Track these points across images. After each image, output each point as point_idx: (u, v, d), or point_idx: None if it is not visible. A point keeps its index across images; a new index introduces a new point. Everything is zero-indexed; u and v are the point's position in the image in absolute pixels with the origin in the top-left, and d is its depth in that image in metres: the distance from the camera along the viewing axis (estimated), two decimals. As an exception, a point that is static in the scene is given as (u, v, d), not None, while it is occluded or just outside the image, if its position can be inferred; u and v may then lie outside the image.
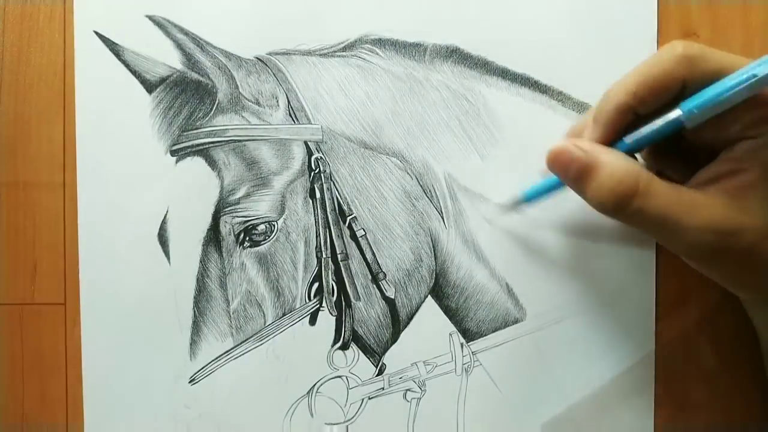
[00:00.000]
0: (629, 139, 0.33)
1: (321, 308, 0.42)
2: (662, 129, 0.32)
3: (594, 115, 0.34)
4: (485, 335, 0.42)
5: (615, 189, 0.31)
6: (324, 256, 0.42)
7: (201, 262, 0.42)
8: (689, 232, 0.31)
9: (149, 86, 0.42)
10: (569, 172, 0.33)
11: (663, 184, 0.31)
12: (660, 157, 0.37)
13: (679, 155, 0.36)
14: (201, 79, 0.42)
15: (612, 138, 0.34)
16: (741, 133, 0.31)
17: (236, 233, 0.42)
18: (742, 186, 0.31)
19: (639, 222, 0.32)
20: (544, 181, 0.38)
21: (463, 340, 0.42)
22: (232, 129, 0.42)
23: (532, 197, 0.39)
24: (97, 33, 0.42)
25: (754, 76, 0.29)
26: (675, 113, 0.32)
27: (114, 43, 0.42)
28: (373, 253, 0.42)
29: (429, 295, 0.42)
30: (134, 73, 0.42)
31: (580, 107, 0.42)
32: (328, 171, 0.42)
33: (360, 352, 0.42)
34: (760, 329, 0.38)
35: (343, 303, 0.42)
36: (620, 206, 0.31)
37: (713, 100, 0.30)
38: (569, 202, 0.42)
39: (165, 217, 0.42)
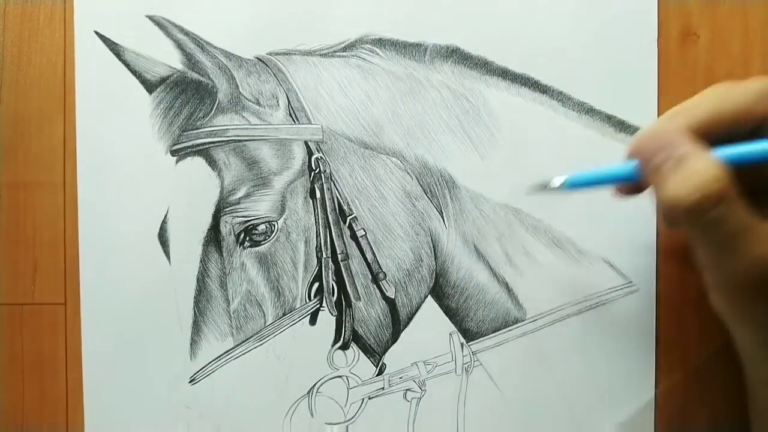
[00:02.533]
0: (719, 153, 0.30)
1: (321, 308, 0.42)
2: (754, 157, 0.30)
3: (652, 131, 0.32)
4: (485, 335, 0.42)
5: (704, 187, 0.28)
6: (324, 256, 0.42)
7: (201, 262, 0.42)
8: (751, 259, 0.29)
9: (149, 86, 0.42)
10: (657, 158, 0.30)
11: (741, 203, 0.29)
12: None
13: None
14: (201, 79, 0.42)
15: None
16: None
17: (236, 233, 0.42)
18: None
19: (709, 233, 0.29)
20: (594, 171, 0.35)
21: (463, 340, 0.42)
22: (232, 129, 0.42)
23: (576, 185, 0.35)
24: (97, 33, 0.42)
25: None
26: None
27: (114, 43, 0.42)
28: (374, 253, 0.42)
29: (429, 295, 0.42)
30: (134, 73, 0.42)
31: (581, 107, 0.42)
32: (328, 171, 0.42)
33: (360, 351, 0.42)
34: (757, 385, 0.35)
35: (344, 303, 0.42)
36: (702, 208, 0.28)
37: None
38: (571, 200, 0.42)
39: (165, 217, 0.42)
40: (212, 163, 0.42)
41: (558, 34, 0.42)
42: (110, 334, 0.42)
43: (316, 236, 0.42)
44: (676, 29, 0.42)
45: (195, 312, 0.42)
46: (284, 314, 0.42)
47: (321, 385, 0.42)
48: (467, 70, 0.42)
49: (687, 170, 0.29)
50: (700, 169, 0.29)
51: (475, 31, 0.42)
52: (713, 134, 0.30)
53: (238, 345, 0.42)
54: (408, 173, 0.42)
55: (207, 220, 0.42)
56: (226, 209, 0.42)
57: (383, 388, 0.42)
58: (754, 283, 0.30)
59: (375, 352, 0.42)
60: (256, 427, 0.42)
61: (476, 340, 0.42)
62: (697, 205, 0.28)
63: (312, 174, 0.42)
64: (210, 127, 0.42)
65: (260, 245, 0.42)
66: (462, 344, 0.42)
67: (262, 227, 0.42)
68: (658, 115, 0.41)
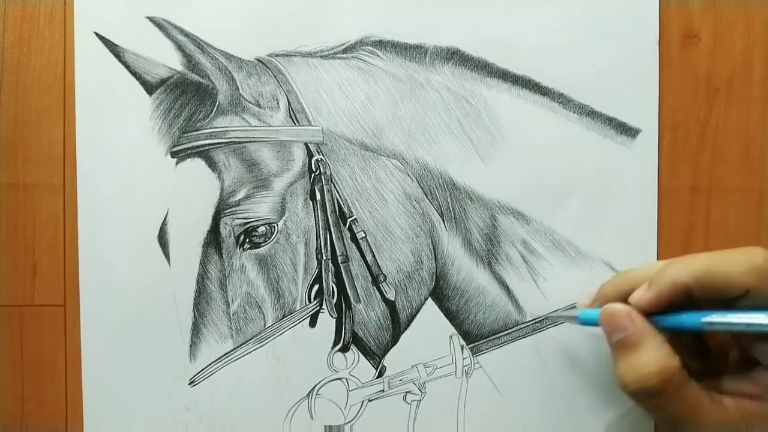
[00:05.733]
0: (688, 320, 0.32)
1: (321, 310, 0.42)
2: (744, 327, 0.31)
3: (651, 279, 0.33)
4: (485, 337, 0.42)
5: (643, 381, 0.31)
6: (324, 258, 0.42)
7: (201, 263, 0.42)
8: None
9: (149, 88, 0.42)
10: (612, 337, 0.33)
11: (688, 390, 0.31)
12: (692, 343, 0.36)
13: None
14: (201, 80, 0.42)
15: (659, 308, 0.33)
16: None
17: (236, 235, 0.42)
18: (758, 415, 0.31)
19: (650, 412, 0.33)
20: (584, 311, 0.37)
21: (463, 343, 0.42)
22: (232, 130, 0.41)
23: (588, 323, 0.37)
24: (97, 34, 0.42)
25: None
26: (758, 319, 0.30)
27: (114, 44, 0.42)
28: (374, 255, 0.42)
29: (429, 297, 0.42)
30: (134, 74, 0.42)
31: (582, 110, 0.42)
32: (328, 173, 0.42)
33: (360, 354, 0.42)
34: None
35: (344, 305, 0.42)
36: (642, 396, 0.32)
37: None
38: (572, 202, 0.42)
39: (165, 218, 0.42)
40: (212, 164, 0.42)
41: (559, 36, 0.42)
42: (110, 336, 0.42)
43: (316, 238, 0.42)
44: (678, 31, 0.42)
45: (195, 314, 0.42)
46: (284, 316, 0.42)
47: (321, 387, 0.42)
48: (468, 72, 0.42)
49: (633, 358, 0.32)
50: (645, 362, 0.31)
51: (476, 32, 0.42)
52: (699, 295, 0.32)
53: (237, 347, 0.42)
54: (408, 175, 0.42)
55: (207, 222, 0.42)
56: (226, 211, 0.42)
57: (383, 391, 0.42)
58: None
59: (375, 355, 0.42)
60: (255, 429, 0.42)
61: (476, 343, 0.42)
62: (637, 394, 0.32)
63: (312, 176, 0.42)
64: (210, 128, 0.42)
65: (260, 247, 0.42)
66: (462, 346, 0.42)
67: (262, 229, 0.42)
68: (659, 117, 0.41)
